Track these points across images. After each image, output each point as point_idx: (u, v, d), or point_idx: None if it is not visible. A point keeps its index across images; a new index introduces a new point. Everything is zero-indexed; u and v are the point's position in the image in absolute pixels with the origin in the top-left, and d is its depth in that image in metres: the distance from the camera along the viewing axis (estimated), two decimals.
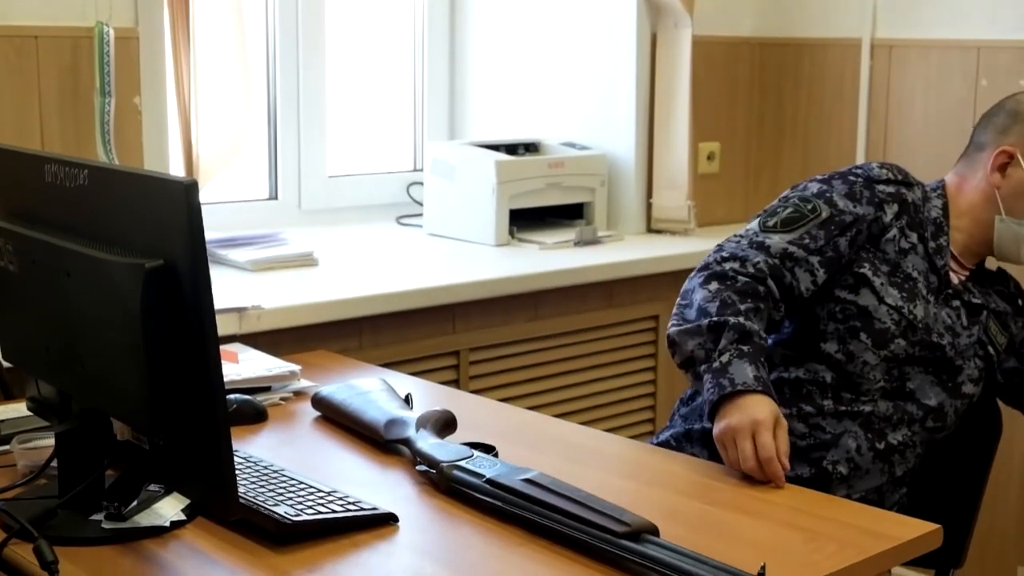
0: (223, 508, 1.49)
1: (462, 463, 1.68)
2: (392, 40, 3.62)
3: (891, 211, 2.10)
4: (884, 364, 2.05)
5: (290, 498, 1.57)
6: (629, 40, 3.34)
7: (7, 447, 1.80)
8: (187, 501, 1.59)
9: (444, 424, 1.85)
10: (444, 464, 1.69)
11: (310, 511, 1.54)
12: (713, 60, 3.49)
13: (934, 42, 3.29)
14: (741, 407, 1.81)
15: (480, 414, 2.11)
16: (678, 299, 2.02)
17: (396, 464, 1.83)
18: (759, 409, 1.80)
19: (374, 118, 3.58)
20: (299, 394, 2.14)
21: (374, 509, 1.58)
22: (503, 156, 3.19)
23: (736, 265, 2.01)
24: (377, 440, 1.88)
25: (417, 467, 1.75)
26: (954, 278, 2.14)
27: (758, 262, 2.01)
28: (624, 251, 3.17)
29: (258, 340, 2.39)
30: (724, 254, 2.04)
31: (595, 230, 3.25)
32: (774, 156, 3.63)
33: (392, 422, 1.86)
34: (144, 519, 1.56)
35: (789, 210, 2.09)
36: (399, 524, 1.59)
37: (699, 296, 1.97)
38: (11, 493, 1.65)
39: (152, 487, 1.62)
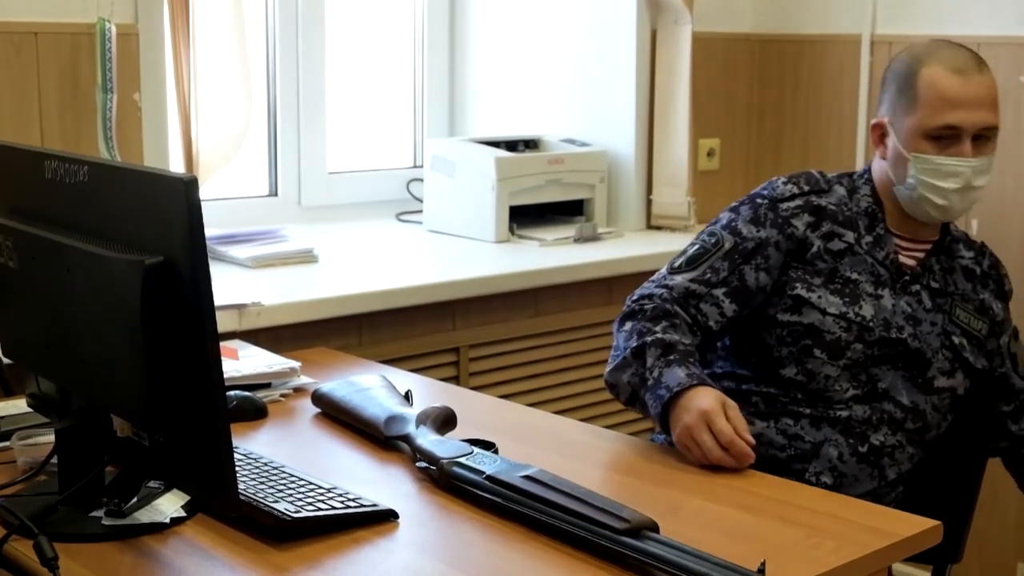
0: (223, 505, 1.50)
1: (462, 460, 1.68)
2: (392, 36, 3.62)
3: (803, 223, 2.10)
4: (848, 372, 2.04)
5: (290, 495, 1.58)
6: (629, 36, 3.34)
7: (7, 443, 1.80)
8: (187, 498, 1.59)
9: (444, 421, 1.85)
10: (444, 461, 1.69)
11: (310, 508, 1.54)
12: (713, 56, 3.48)
13: (934, 38, 3.28)
14: (686, 406, 1.83)
15: (480, 410, 2.11)
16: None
17: (396, 461, 1.83)
18: (703, 400, 1.82)
19: (374, 115, 3.57)
20: (299, 391, 2.14)
21: (374, 506, 1.58)
22: (503, 153, 3.19)
23: (644, 301, 2.06)
24: (377, 437, 1.88)
25: (417, 464, 1.75)
26: (909, 260, 2.11)
27: (663, 294, 2.06)
28: (624, 248, 3.17)
29: (258, 337, 2.39)
30: (634, 297, 2.10)
31: (595, 227, 3.25)
32: (774, 152, 3.62)
33: (392, 419, 1.86)
34: (144, 516, 1.56)
35: (696, 247, 2.13)
36: (399, 521, 1.59)
37: (620, 338, 2.03)
38: (11, 489, 1.65)
39: (152, 484, 1.62)
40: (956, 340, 2.09)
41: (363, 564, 1.48)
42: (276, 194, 3.31)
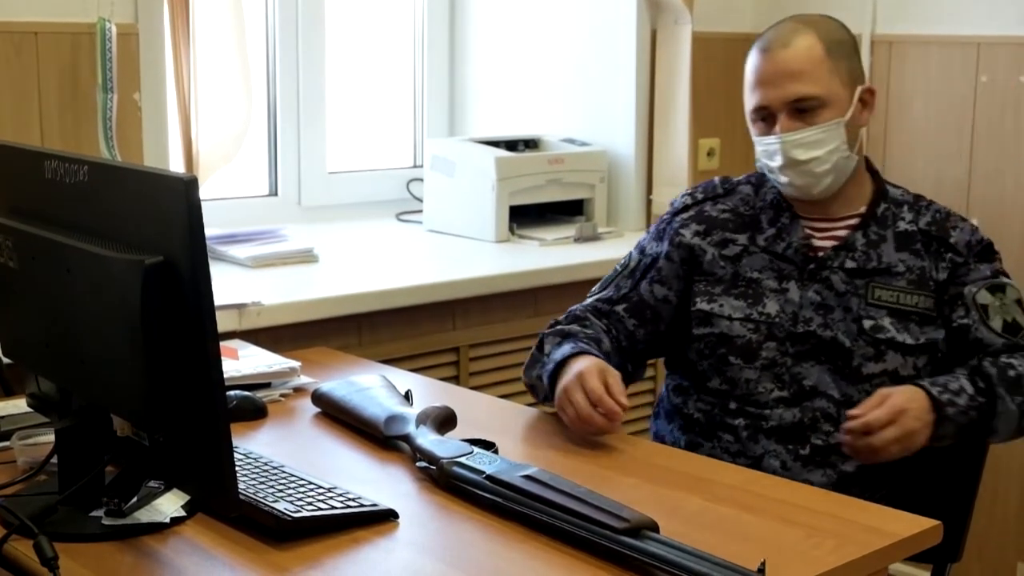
0: (223, 504, 1.50)
1: (462, 459, 1.68)
2: (392, 36, 3.62)
3: (691, 232, 2.12)
4: (768, 373, 2.04)
5: (290, 494, 1.58)
6: (629, 36, 3.34)
7: (7, 443, 1.80)
8: (187, 497, 1.59)
9: (444, 420, 1.85)
10: (444, 460, 1.69)
11: (310, 507, 1.54)
12: (713, 56, 3.48)
13: (934, 38, 3.29)
14: (566, 372, 1.89)
15: (479, 410, 2.11)
16: None
17: (396, 461, 1.83)
18: (581, 364, 1.88)
19: (374, 114, 3.57)
20: (299, 390, 2.14)
21: (374, 505, 1.58)
22: (503, 152, 3.19)
23: (564, 319, 2.15)
24: (377, 436, 1.88)
25: (417, 464, 1.75)
26: (826, 243, 2.06)
27: (576, 311, 2.14)
28: (624, 247, 3.13)
29: (258, 336, 2.39)
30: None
31: (595, 226, 3.25)
32: None
33: (392, 418, 1.86)
34: (144, 515, 1.56)
35: (611, 272, 2.21)
36: (399, 520, 1.59)
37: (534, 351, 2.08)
38: (11, 489, 1.65)
39: (152, 483, 1.62)
40: (870, 323, 2.01)
41: (363, 564, 1.48)
42: (276, 194, 3.31)
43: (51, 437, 1.67)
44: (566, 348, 1.96)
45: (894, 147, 3.38)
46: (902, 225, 2.07)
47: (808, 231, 2.08)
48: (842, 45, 2.05)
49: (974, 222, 2.12)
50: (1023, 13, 3.14)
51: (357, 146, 3.53)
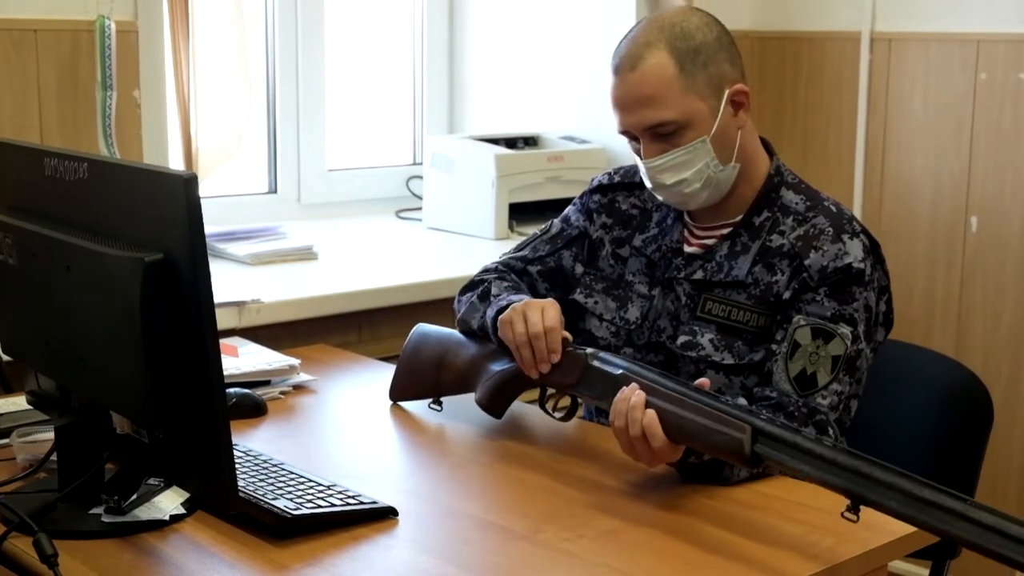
0: (223, 502, 1.50)
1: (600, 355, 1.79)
2: (391, 34, 3.62)
3: (599, 225, 2.09)
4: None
5: (290, 492, 1.58)
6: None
7: (7, 441, 1.80)
8: (187, 495, 1.59)
9: None
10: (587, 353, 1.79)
11: (310, 505, 1.54)
12: None
13: (933, 35, 3.29)
14: (512, 307, 1.88)
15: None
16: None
17: (396, 458, 1.83)
18: (526, 299, 1.89)
19: (373, 112, 3.57)
20: (298, 388, 2.14)
21: (374, 503, 1.58)
22: (502, 150, 3.19)
23: (481, 275, 2.11)
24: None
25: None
26: (695, 248, 1.97)
27: (495, 266, 2.12)
28: None
29: (257, 334, 2.39)
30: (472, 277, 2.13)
31: None
32: None
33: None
34: (144, 513, 1.56)
35: (528, 236, 2.18)
36: (398, 518, 1.59)
37: (461, 307, 2.06)
38: (11, 487, 1.65)
39: (152, 481, 1.62)
40: (684, 339, 1.91)
41: (362, 561, 1.48)
42: (276, 191, 3.30)
43: (51, 434, 1.67)
44: (511, 297, 1.95)
45: (893, 144, 3.38)
46: (776, 239, 1.91)
47: (686, 235, 1.99)
48: (698, 53, 1.87)
49: (855, 244, 1.88)
50: (1022, 10, 3.14)
51: (357, 143, 3.52)
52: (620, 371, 1.73)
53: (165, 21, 2.80)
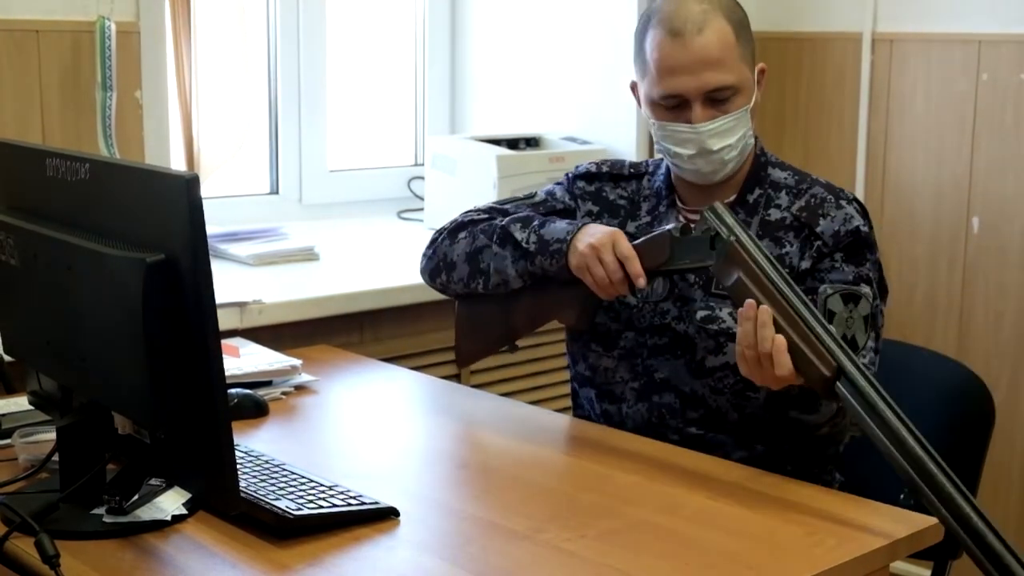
0: (224, 502, 1.50)
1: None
2: (393, 34, 3.62)
3: (584, 208, 2.09)
4: (625, 363, 2.00)
5: (291, 492, 1.58)
6: (630, 34, 3.33)
7: (8, 441, 1.80)
8: (188, 495, 1.59)
9: None
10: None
11: (311, 505, 1.54)
12: None
13: (935, 36, 3.29)
14: (579, 240, 1.88)
15: (481, 408, 2.11)
16: (430, 262, 2.10)
17: (397, 459, 1.83)
18: (592, 234, 1.88)
19: (375, 112, 3.57)
20: (300, 388, 2.14)
21: (375, 503, 1.58)
22: (504, 151, 3.19)
23: (469, 214, 2.08)
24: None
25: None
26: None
27: (480, 208, 2.10)
28: None
29: (259, 334, 2.39)
30: (454, 219, 2.10)
31: None
32: (775, 150, 3.57)
33: None
34: (145, 513, 1.56)
35: (508, 197, 2.18)
36: (400, 518, 1.59)
37: (459, 247, 2.04)
38: (13, 487, 1.65)
39: (153, 481, 1.62)
40: (704, 314, 1.95)
41: (364, 562, 1.49)
42: (277, 192, 3.31)
43: (52, 435, 1.67)
44: (560, 225, 1.94)
45: (895, 145, 3.38)
46: (774, 212, 1.99)
47: (681, 220, 2.01)
48: (743, 24, 1.97)
49: (852, 209, 1.96)
50: None
51: (358, 144, 3.52)
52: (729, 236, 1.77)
53: (167, 21, 2.80)
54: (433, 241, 2.11)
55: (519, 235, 1.97)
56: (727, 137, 1.94)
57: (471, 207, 2.13)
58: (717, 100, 1.93)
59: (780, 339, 1.67)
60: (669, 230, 1.85)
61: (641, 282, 1.85)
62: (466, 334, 2.08)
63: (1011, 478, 3.23)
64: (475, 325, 2.07)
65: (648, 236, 1.88)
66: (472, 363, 2.09)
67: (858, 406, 1.65)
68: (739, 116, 1.94)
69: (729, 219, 1.78)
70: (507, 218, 2.01)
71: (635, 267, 1.85)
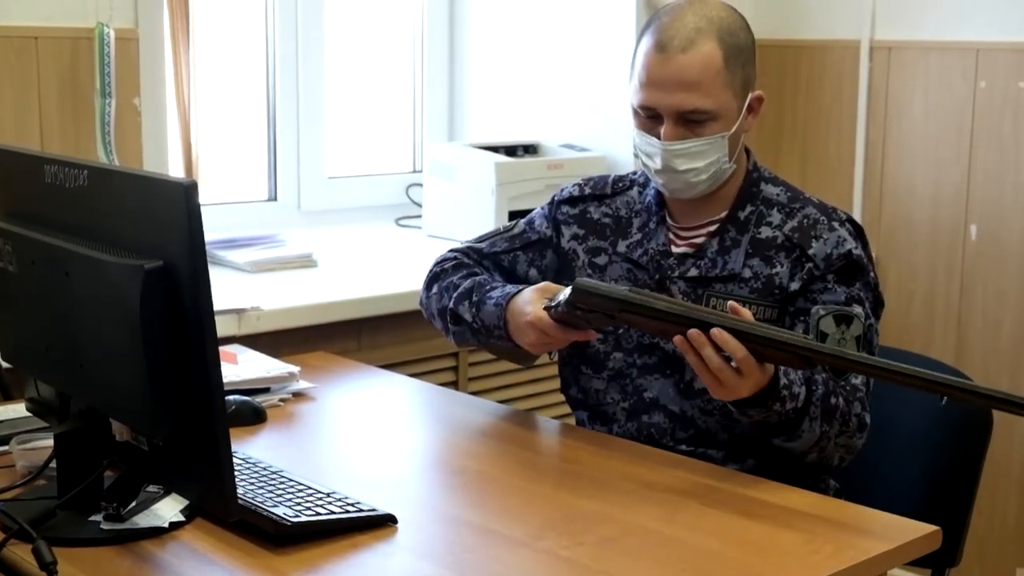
0: (222, 509, 1.50)
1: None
2: (391, 41, 3.62)
3: (570, 235, 2.10)
4: (615, 384, 2.00)
5: (289, 499, 1.58)
6: (628, 41, 3.34)
7: (6, 448, 1.80)
8: (186, 502, 1.59)
9: None
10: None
11: (309, 512, 1.54)
12: None
13: (933, 43, 3.30)
14: (510, 325, 1.94)
15: (478, 415, 2.11)
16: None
17: (395, 465, 1.83)
18: (516, 324, 1.93)
19: (373, 119, 3.58)
20: (298, 395, 2.14)
21: (373, 510, 1.58)
22: (502, 158, 3.19)
23: (443, 263, 2.13)
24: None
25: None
26: (685, 248, 1.99)
27: (453, 255, 2.14)
28: None
29: (257, 341, 2.39)
30: (435, 262, 2.16)
31: None
32: (773, 158, 3.63)
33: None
34: (143, 520, 1.56)
35: (492, 230, 2.21)
36: (398, 525, 1.59)
37: (432, 302, 2.10)
38: (10, 494, 1.65)
39: (151, 488, 1.62)
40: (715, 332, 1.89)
41: (362, 568, 1.48)
42: (275, 198, 3.31)
43: (50, 441, 1.67)
44: (489, 308, 1.97)
45: (893, 153, 3.38)
46: (765, 231, 1.96)
47: (671, 236, 2.01)
48: (741, 52, 1.92)
49: (845, 231, 1.94)
50: (1022, 19, 3.14)
51: (356, 151, 3.53)
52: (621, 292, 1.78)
53: (166, 28, 2.80)
54: (426, 281, 2.16)
55: (467, 316, 2.01)
56: (695, 160, 1.91)
57: (456, 245, 2.20)
58: (691, 121, 1.90)
59: (716, 330, 1.70)
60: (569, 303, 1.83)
61: (585, 337, 1.89)
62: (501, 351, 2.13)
63: (1009, 484, 3.22)
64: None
65: (563, 302, 1.85)
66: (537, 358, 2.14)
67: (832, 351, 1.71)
68: (712, 142, 1.91)
69: (603, 291, 1.79)
70: (454, 295, 2.04)
71: (562, 339, 1.89)
